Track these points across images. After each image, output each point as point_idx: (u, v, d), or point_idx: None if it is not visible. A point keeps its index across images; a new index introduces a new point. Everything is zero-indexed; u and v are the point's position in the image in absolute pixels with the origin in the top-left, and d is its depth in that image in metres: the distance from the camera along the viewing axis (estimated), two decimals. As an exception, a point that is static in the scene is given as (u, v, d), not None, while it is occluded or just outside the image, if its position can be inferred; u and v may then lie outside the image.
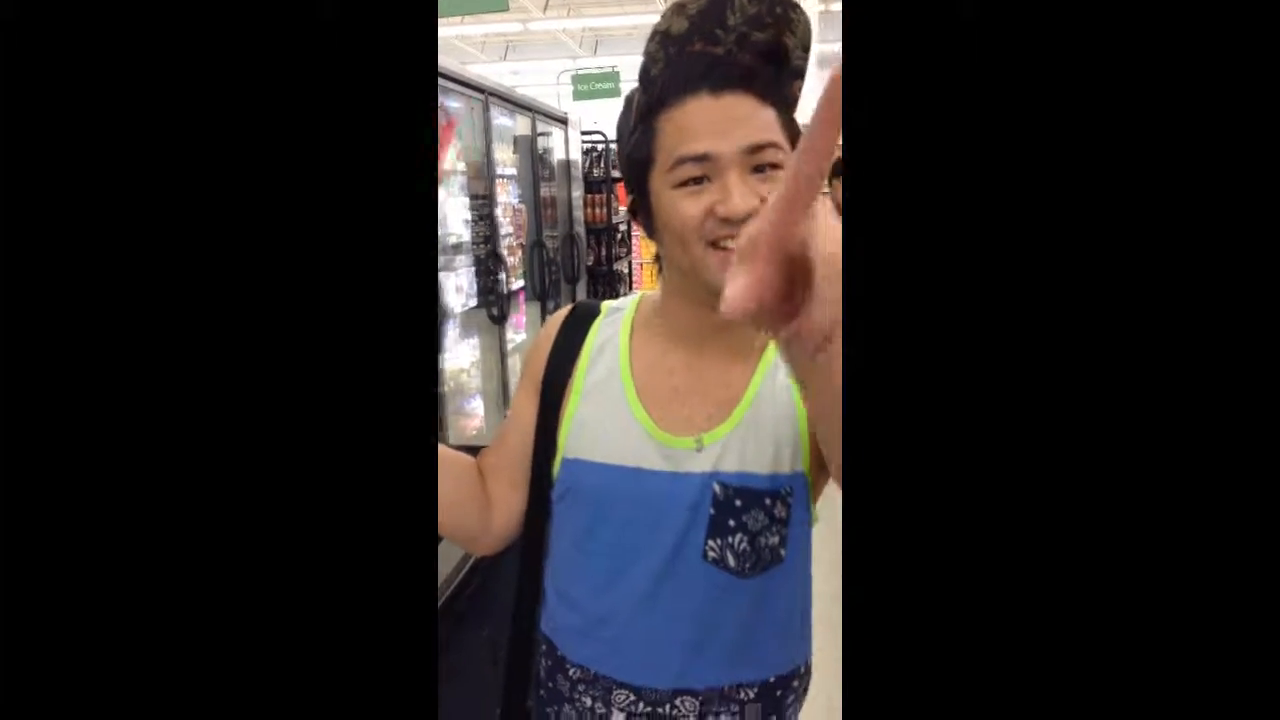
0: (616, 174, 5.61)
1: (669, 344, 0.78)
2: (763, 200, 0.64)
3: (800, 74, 0.69)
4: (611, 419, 0.76)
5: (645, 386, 0.77)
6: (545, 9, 11.39)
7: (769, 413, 0.75)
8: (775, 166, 0.66)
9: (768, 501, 0.73)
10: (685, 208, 0.67)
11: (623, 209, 5.80)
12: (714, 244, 0.67)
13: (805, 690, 0.83)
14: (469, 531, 0.83)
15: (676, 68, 0.67)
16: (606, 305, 0.85)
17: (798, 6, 0.67)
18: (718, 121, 0.65)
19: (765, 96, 0.66)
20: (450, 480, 0.78)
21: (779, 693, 0.78)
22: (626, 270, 6.21)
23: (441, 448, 0.78)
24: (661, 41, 0.68)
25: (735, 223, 0.64)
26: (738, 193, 0.64)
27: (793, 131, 0.68)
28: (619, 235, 5.78)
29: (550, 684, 0.82)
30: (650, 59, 0.68)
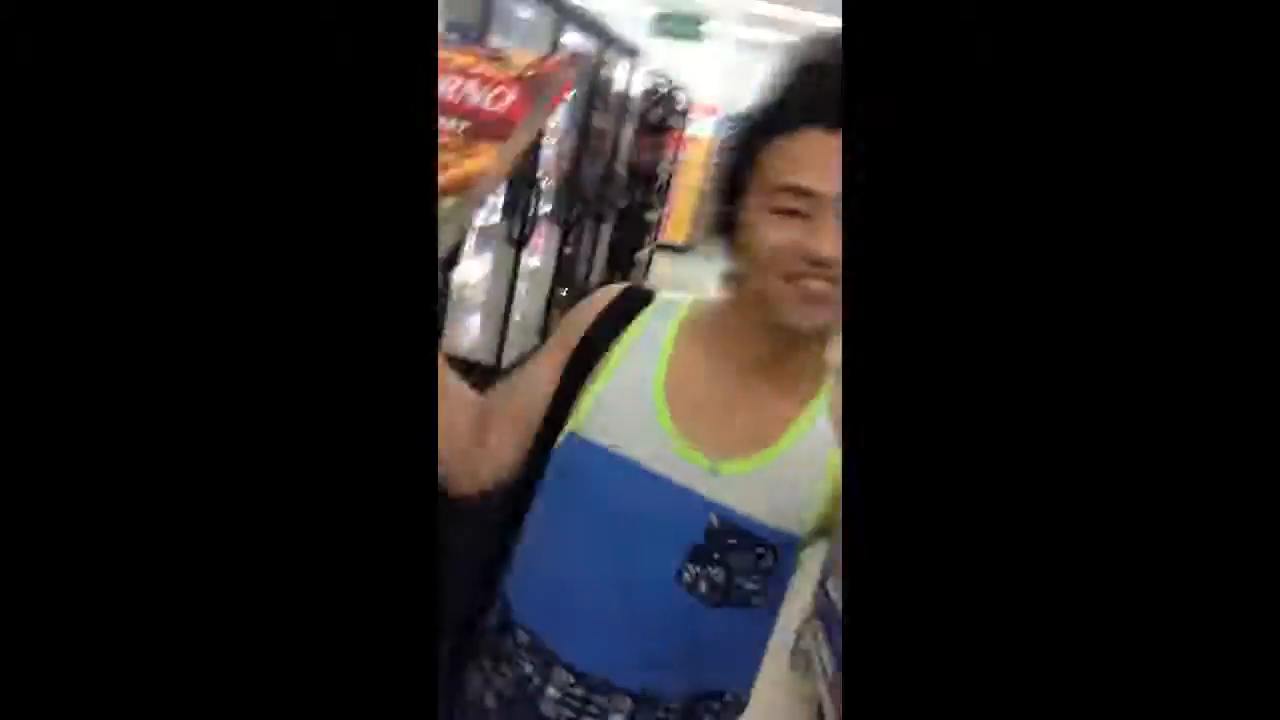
0: (672, 121, 5.45)
1: (715, 357, 0.75)
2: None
3: None
4: (633, 410, 0.74)
5: (677, 390, 0.74)
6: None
7: (798, 467, 0.73)
8: None
9: (760, 551, 0.72)
10: (775, 235, 0.66)
11: (671, 156, 5.71)
12: (790, 278, 0.66)
13: (728, 716, 0.82)
14: (451, 468, 0.80)
15: (801, 96, 0.66)
16: (662, 297, 0.82)
17: None
18: (829, 161, 0.63)
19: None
20: (449, 410, 0.76)
21: (697, 704, 0.78)
22: (656, 220, 6.09)
23: (449, 373, 0.76)
24: (799, 69, 0.67)
25: (824, 264, 0.64)
26: (834, 235, 0.63)
27: None
28: (659, 184, 5.65)
29: (493, 639, 0.81)
30: (777, 82, 0.68)
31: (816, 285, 0.65)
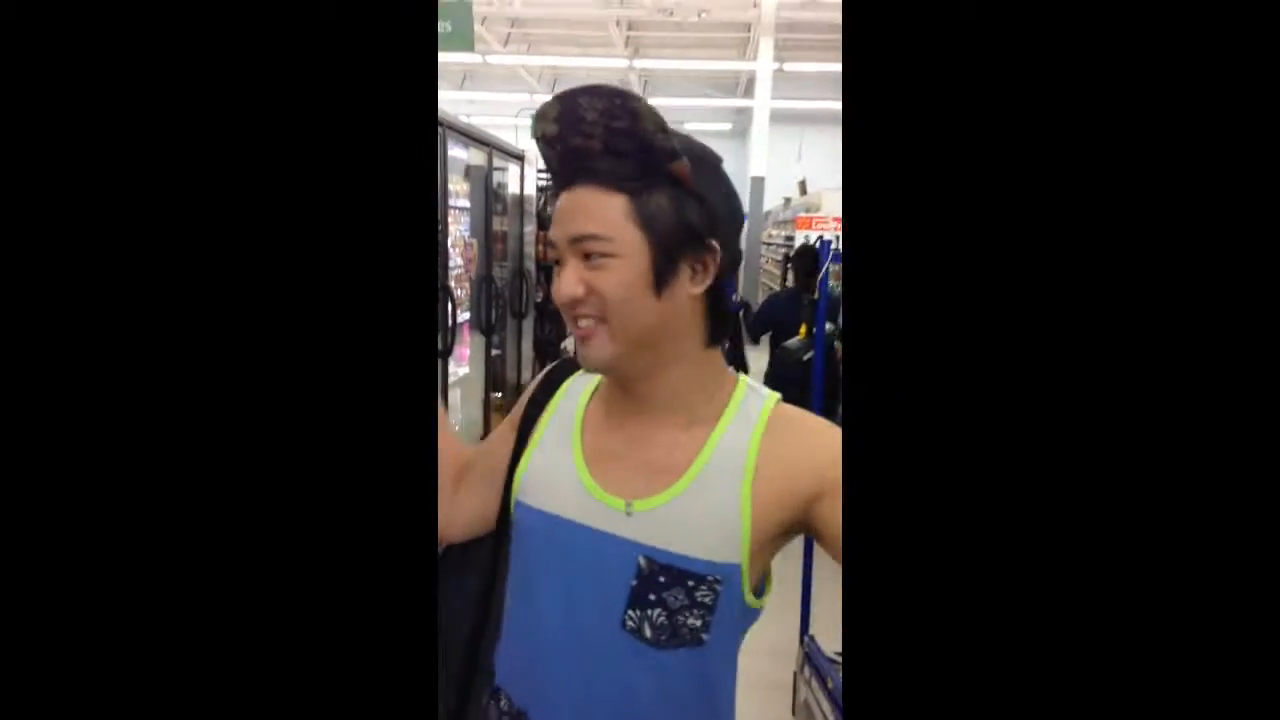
0: (569, 212, 5.60)
1: (618, 404, 0.80)
2: (588, 287, 0.71)
3: (673, 154, 0.71)
4: (557, 469, 0.79)
5: (593, 443, 0.80)
6: (505, 43, 11.48)
7: (710, 494, 0.74)
8: (604, 255, 0.70)
9: (691, 584, 0.73)
10: (554, 284, 0.74)
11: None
12: (572, 320, 0.73)
13: None
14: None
15: (558, 164, 0.74)
16: None
17: (634, 95, 0.70)
18: (563, 211, 0.72)
19: (614, 185, 0.70)
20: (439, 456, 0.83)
21: None
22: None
23: (445, 419, 0.83)
24: (542, 144, 0.74)
25: (564, 304, 0.72)
26: (564, 278, 0.72)
27: (654, 216, 0.70)
28: (569, 273, 5.75)
29: (487, 707, 0.84)
30: (544, 157, 0.75)
31: (581, 325, 0.72)
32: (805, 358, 3.52)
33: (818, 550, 2.60)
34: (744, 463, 0.74)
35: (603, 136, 0.70)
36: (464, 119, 3.50)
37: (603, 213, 0.70)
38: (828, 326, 2.50)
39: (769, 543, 0.74)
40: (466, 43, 4.73)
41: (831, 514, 0.72)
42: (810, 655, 2.32)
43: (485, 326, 3.96)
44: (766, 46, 10.65)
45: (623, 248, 0.70)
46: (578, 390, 0.85)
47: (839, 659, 2.31)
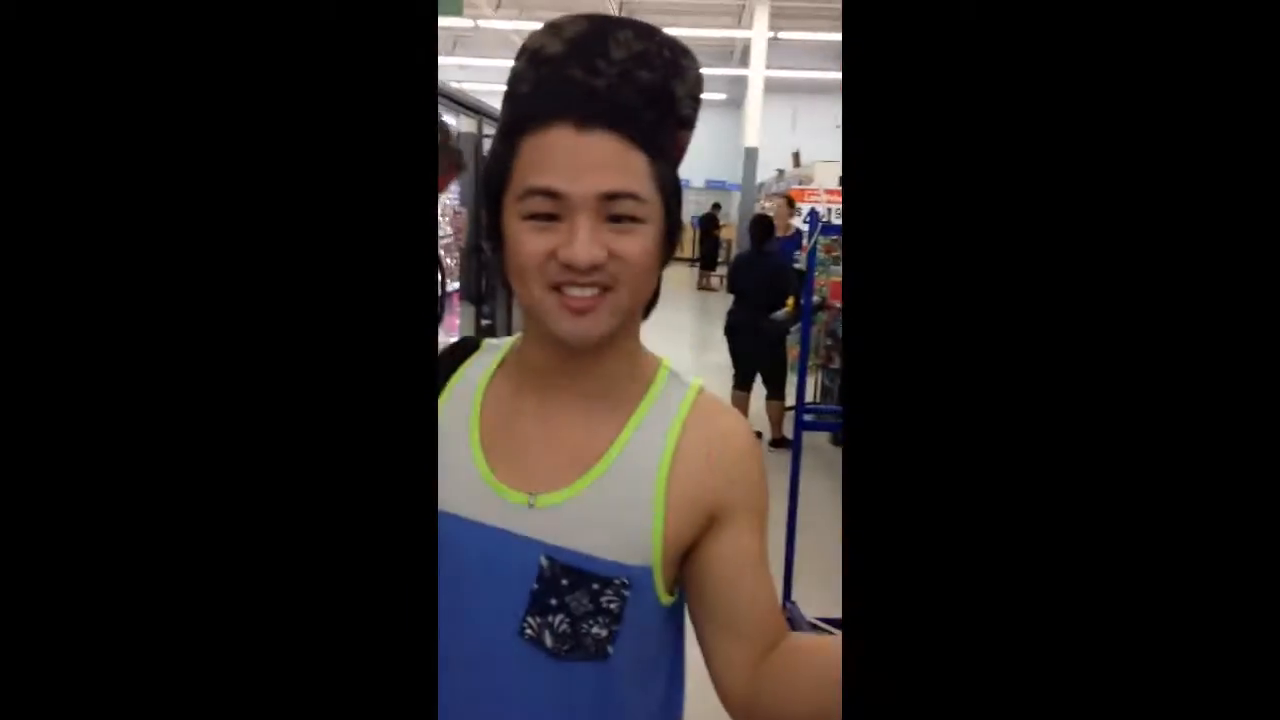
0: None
1: (523, 386, 0.70)
2: (610, 252, 0.59)
3: (688, 124, 0.64)
4: (453, 464, 0.69)
5: (492, 432, 0.69)
6: (497, 8, 11.30)
7: (621, 490, 0.66)
8: (634, 219, 0.60)
9: (596, 588, 0.64)
10: (529, 243, 0.60)
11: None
12: (554, 287, 0.60)
13: None
14: None
15: (546, 90, 0.61)
16: (486, 343, 0.77)
17: (689, 54, 0.63)
18: (577, 159, 0.59)
19: (639, 141, 0.60)
20: None
21: None
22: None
23: None
24: (531, 60, 0.62)
25: (577, 270, 0.59)
26: (582, 240, 0.58)
27: (666, 183, 0.62)
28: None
29: None
30: (518, 76, 0.63)
31: (578, 294, 0.60)
32: (792, 329, 3.53)
33: (801, 517, 2.65)
34: (660, 456, 0.66)
35: (615, 79, 0.60)
36: (454, 85, 3.47)
37: (634, 169, 0.59)
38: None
39: (683, 545, 0.66)
40: (457, 7, 4.67)
41: (715, 546, 0.65)
42: (793, 619, 2.38)
43: (475, 296, 3.96)
44: (762, 14, 10.51)
45: (651, 212, 0.61)
46: (475, 376, 0.73)
47: (820, 624, 2.37)
